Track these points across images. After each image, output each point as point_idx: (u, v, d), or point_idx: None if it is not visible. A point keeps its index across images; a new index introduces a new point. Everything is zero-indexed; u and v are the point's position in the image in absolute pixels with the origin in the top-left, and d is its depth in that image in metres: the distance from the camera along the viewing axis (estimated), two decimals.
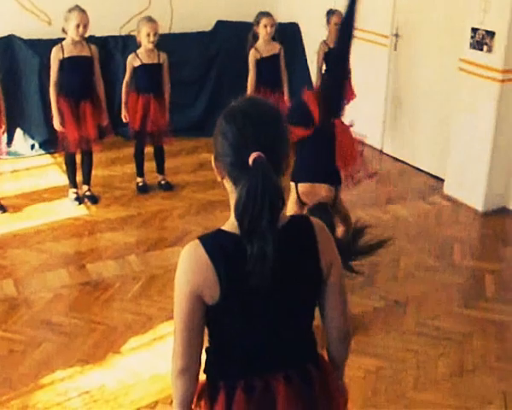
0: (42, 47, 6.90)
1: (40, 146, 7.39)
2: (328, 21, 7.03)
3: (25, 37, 7.40)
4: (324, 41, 7.09)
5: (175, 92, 6.71)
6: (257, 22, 6.49)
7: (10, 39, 7.39)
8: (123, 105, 6.31)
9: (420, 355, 4.24)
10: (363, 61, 7.34)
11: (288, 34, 8.47)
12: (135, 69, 6.23)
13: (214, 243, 2.05)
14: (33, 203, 6.22)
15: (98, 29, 7.22)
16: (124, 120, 6.36)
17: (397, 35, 7.43)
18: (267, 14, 6.48)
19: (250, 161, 1.93)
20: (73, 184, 6.25)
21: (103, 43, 7.62)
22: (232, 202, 2.04)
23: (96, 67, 6.09)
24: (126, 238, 5.58)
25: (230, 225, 2.04)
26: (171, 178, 6.73)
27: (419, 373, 4.07)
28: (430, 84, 7.06)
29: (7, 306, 4.69)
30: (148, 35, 6.12)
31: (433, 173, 7.15)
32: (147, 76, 6.25)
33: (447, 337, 4.44)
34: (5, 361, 4.09)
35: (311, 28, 8.66)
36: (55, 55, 5.87)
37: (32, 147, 7.38)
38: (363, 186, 6.74)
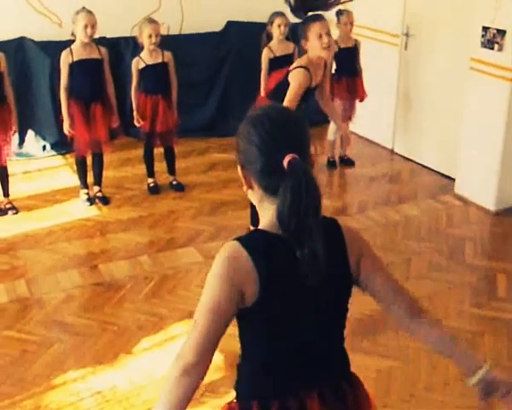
0: (53, 49, 6.91)
1: (51, 147, 7.42)
2: (339, 21, 7.00)
3: (36, 39, 7.42)
4: (335, 41, 7.03)
5: (185, 93, 6.73)
6: (270, 22, 6.46)
7: (22, 41, 7.42)
8: (134, 110, 6.32)
9: (431, 355, 4.21)
10: (373, 61, 7.35)
11: (298, 34, 8.46)
12: (140, 71, 6.24)
13: (253, 242, 2.04)
14: (45, 204, 6.24)
15: (109, 30, 7.25)
16: (137, 125, 6.37)
17: (407, 34, 7.41)
18: (281, 14, 6.45)
19: (285, 163, 1.92)
20: (84, 185, 6.28)
21: (114, 44, 7.64)
22: (263, 209, 2.06)
23: (106, 69, 6.10)
24: (138, 239, 5.59)
25: (270, 226, 2.02)
26: (182, 178, 6.74)
27: (430, 373, 4.07)
28: (441, 84, 7.05)
29: (19, 306, 4.72)
30: (150, 36, 6.13)
31: (444, 173, 7.13)
32: (153, 76, 6.26)
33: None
34: (18, 362, 4.11)
35: None
36: (65, 59, 5.88)
37: (44, 148, 7.40)
38: (375, 186, 6.75)
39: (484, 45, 6.14)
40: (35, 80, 7.48)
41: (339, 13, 6.99)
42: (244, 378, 2.17)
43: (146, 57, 6.24)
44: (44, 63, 7.32)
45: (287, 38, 6.60)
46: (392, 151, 7.84)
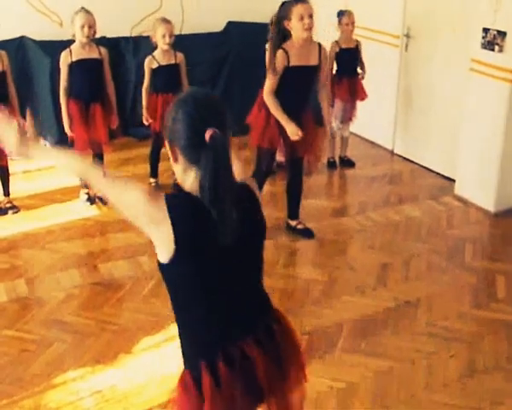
0: (53, 48, 6.90)
1: (52, 147, 7.42)
2: (340, 22, 6.99)
3: (36, 38, 7.43)
4: (336, 41, 7.04)
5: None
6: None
7: (22, 41, 7.43)
8: (144, 108, 6.32)
9: (431, 356, 4.24)
10: (373, 62, 7.34)
11: (284, 15, 8.47)
12: (153, 71, 6.25)
13: (175, 199, 2.31)
14: (45, 204, 6.25)
15: (109, 30, 7.25)
16: (145, 123, 6.37)
17: (408, 35, 7.42)
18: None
19: (207, 136, 2.17)
20: (85, 184, 6.27)
21: (115, 44, 7.65)
22: (186, 178, 2.30)
23: (106, 69, 6.10)
24: (138, 239, 5.57)
25: (192, 190, 2.28)
26: None
27: (430, 374, 4.07)
28: (441, 85, 7.05)
29: (19, 306, 4.72)
30: (164, 36, 6.16)
31: (444, 174, 7.14)
32: (165, 77, 6.27)
33: (458, 338, 4.44)
34: (17, 361, 4.11)
35: (322, 28, 8.67)
36: (64, 60, 5.89)
37: None
38: (375, 187, 6.76)
39: (484, 47, 6.14)
40: (35, 80, 7.49)
41: (340, 13, 6.99)
42: (187, 344, 2.45)
43: (159, 57, 6.28)
44: (45, 63, 7.32)
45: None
46: (392, 152, 7.84)
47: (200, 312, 2.35)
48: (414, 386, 3.97)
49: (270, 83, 5.26)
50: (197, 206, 2.22)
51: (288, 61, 5.19)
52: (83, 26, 5.78)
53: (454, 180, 6.83)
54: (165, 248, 2.25)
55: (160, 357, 4.17)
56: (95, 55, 5.98)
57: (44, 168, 7.04)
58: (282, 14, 5.17)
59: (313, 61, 5.31)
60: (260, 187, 5.63)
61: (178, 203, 2.26)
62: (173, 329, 4.40)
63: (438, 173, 7.22)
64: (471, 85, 6.38)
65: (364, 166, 7.45)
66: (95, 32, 5.92)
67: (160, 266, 2.31)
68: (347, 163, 7.49)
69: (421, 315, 4.71)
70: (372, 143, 8.08)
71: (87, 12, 5.82)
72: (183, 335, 2.46)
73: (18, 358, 4.15)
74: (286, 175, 5.83)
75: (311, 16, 5.06)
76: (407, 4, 7.38)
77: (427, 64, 7.23)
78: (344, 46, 7.00)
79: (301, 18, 5.03)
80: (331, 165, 7.44)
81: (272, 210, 6.09)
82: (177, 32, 7.94)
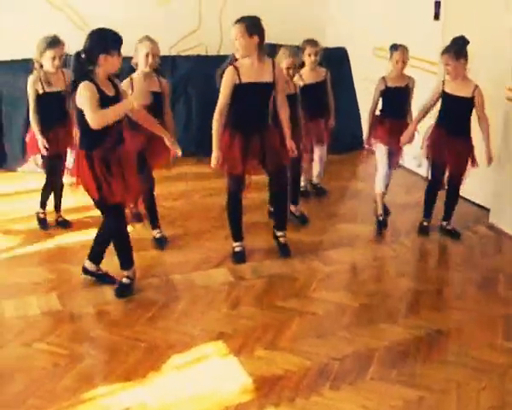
0: None
1: None
2: (391, 56, 6.41)
3: None
4: (383, 77, 6.50)
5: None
6: (302, 50, 6.53)
7: (66, 59, 7.49)
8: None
9: (461, 387, 4.18)
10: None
11: (335, 59, 8.50)
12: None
13: None
14: (81, 218, 6.30)
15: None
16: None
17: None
18: (312, 43, 6.49)
19: None
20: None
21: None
22: None
23: (166, 102, 5.84)
24: (171, 258, 5.60)
25: None
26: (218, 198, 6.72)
27: (460, 405, 4.01)
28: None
29: (51, 319, 4.76)
30: (147, 56, 5.65)
31: (478, 202, 7.09)
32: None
33: (490, 370, 4.38)
34: (48, 374, 4.13)
35: (359, 53, 8.69)
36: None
37: None
38: (407, 214, 6.71)
39: None
40: None
41: (392, 47, 6.44)
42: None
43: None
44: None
45: (320, 64, 6.62)
46: (426, 179, 7.78)
47: None
48: None
49: (219, 102, 5.32)
50: None
51: (240, 78, 5.24)
52: (147, 55, 5.58)
53: (488, 209, 6.79)
54: None
55: (190, 377, 4.17)
56: (155, 87, 5.70)
57: None
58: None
59: (267, 78, 5.33)
60: (232, 208, 5.68)
61: None
62: (204, 349, 4.44)
63: (471, 202, 7.17)
64: (508, 114, 6.35)
65: (397, 193, 7.41)
66: (157, 62, 5.71)
67: None
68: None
69: (452, 345, 4.66)
70: (405, 168, 8.01)
71: (152, 40, 5.65)
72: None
73: (49, 371, 4.16)
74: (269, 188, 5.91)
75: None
76: (445, 30, 7.35)
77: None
78: (390, 84, 6.46)
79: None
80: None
81: (303, 235, 6.11)
82: (214, 53, 8.03)
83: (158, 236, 5.98)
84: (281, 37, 8.40)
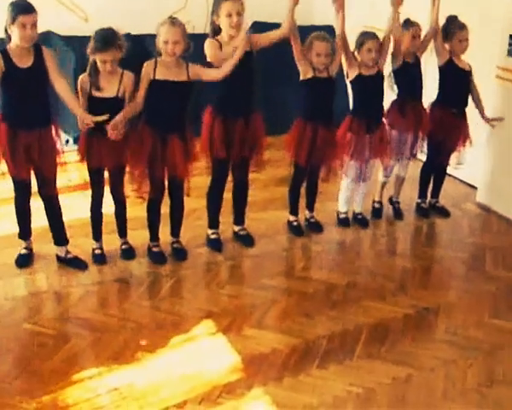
0: (78, 43, 6.93)
1: (74, 141, 7.43)
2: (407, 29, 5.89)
3: (62, 33, 7.45)
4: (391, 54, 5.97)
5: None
6: (360, 44, 5.70)
7: (48, 35, 7.45)
8: None
9: (449, 365, 4.20)
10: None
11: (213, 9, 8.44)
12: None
13: None
14: (65, 198, 6.25)
15: (134, 27, 7.26)
16: None
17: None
18: (372, 36, 5.68)
19: None
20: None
21: (139, 41, 7.65)
22: None
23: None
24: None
25: None
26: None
27: (448, 383, 4.04)
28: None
29: (38, 299, 4.75)
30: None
31: (466, 181, 7.10)
32: None
33: (477, 347, 4.40)
34: (35, 355, 4.12)
35: (348, 31, 8.63)
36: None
37: (67, 142, 7.42)
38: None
39: (510, 54, 6.10)
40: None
41: (406, 23, 5.94)
42: None
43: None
44: (70, 57, 7.34)
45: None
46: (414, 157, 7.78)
47: None
48: (431, 394, 3.93)
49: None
50: None
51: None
52: (166, 42, 4.95)
53: (476, 187, 6.80)
54: None
55: (179, 356, 4.17)
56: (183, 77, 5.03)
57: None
58: (213, 8, 5.13)
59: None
60: (216, 197, 5.57)
61: None
62: (192, 328, 4.43)
63: (460, 180, 7.18)
64: (496, 93, 6.34)
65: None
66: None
67: None
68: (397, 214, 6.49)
69: (441, 323, 4.68)
70: None
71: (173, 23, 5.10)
72: None
73: (36, 352, 4.16)
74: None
75: (239, 14, 4.97)
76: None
77: None
78: (408, 59, 5.97)
79: (229, 15, 4.96)
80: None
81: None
82: (201, 31, 7.98)
83: None
84: (266, 14, 8.39)
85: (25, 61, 4.65)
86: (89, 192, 5.24)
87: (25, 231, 5.17)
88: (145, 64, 4.99)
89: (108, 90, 4.87)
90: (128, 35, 6.83)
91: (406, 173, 6.36)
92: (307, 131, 5.53)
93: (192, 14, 7.70)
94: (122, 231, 5.41)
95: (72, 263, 5.19)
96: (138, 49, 7.47)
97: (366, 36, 5.66)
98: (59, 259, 5.23)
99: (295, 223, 5.95)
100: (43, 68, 4.73)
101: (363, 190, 6.05)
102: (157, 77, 4.93)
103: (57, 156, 4.94)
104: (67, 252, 5.22)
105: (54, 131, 4.90)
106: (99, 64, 4.82)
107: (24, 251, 5.20)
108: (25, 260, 5.17)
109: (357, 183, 5.97)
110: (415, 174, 6.47)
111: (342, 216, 6.12)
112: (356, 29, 5.82)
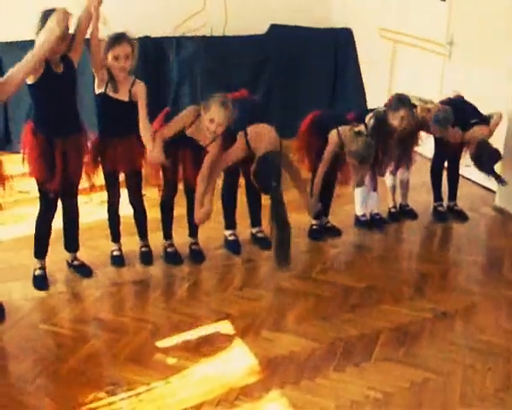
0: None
1: None
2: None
3: None
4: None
5: None
6: (394, 109, 5.64)
7: None
8: None
9: (467, 369, 4.19)
10: (415, 69, 7.27)
11: (341, 40, 8.47)
12: None
13: None
14: (87, 201, 6.27)
15: (153, 30, 7.30)
16: None
17: (451, 43, 7.35)
18: (406, 103, 5.66)
19: None
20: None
21: (158, 43, 7.68)
22: None
23: None
24: (176, 239, 5.57)
25: None
26: None
27: (465, 387, 4.02)
28: (484, 94, 6.93)
29: (56, 300, 4.79)
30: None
31: (485, 184, 7.07)
32: None
33: (495, 352, 4.38)
34: (54, 356, 4.15)
35: (365, 34, 8.63)
36: None
37: None
38: (416, 195, 6.67)
39: None
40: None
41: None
42: None
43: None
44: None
45: None
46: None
47: None
48: (449, 398, 3.92)
49: None
50: None
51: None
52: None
53: (494, 191, 6.77)
54: None
55: (196, 358, 4.17)
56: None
57: None
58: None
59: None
60: (229, 197, 5.61)
61: None
62: (209, 330, 4.44)
63: (478, 184, 7.15)
64: None
65: None
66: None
67: None
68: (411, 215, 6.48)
69: (458, 327, 4.67)
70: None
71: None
72: None
73: (54, 352, 4.19)
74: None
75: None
76: (452, 11, 7.30)
77: (470, 73, 7.12)
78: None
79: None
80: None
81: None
82: (219, 34, 8.00)
83: None
84: (284, 17, 8.41)
85: (58, 68, 4.63)
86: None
87: (43, 250, 5.07)
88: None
89: (121, 93, 4.89)
90: (147, 38, 6.92)
91: (409, 174, 6.36)
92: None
93: (210, 16, 7.72)
94: (142, 233, 5.43)
95: (78, 270, 5.18)
96: (158, 51, 7.59)
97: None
98: (67, 264, 5.25)
99: (315, 226, 5.95)
100: (73, 74, 4.73)
101: (375, 198, 6.06)
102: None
103: (83, 161, 4.96)
104: (75, 258, 5.23)
105: (84, 136, 4.91)
106: (111, 64, 4.82)
107: (38, 272, 5.02)
108: (42, 283, 4.97)
109: (368, 192, 6.02)
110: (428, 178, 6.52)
111: (362, 219, 6.11)
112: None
